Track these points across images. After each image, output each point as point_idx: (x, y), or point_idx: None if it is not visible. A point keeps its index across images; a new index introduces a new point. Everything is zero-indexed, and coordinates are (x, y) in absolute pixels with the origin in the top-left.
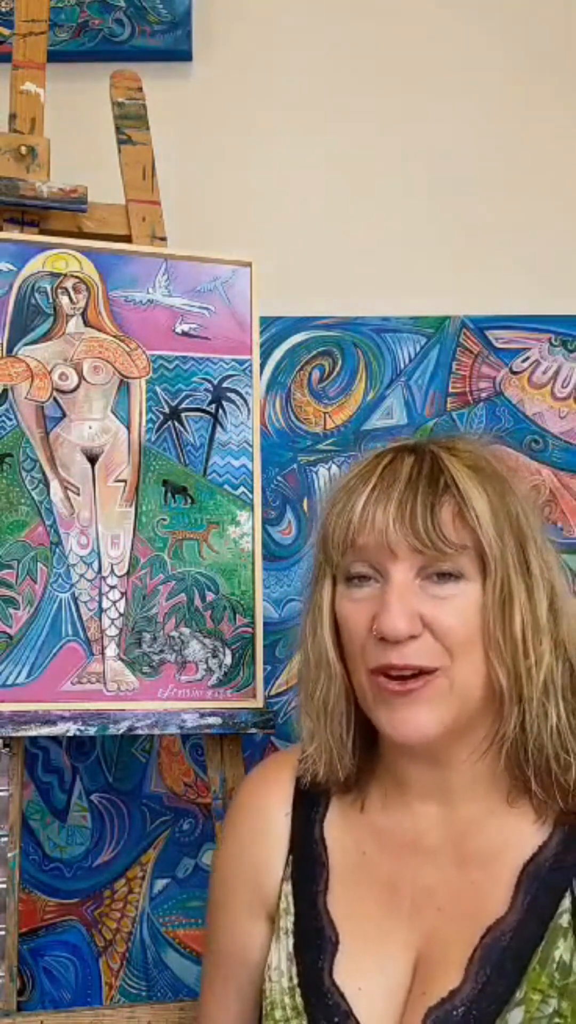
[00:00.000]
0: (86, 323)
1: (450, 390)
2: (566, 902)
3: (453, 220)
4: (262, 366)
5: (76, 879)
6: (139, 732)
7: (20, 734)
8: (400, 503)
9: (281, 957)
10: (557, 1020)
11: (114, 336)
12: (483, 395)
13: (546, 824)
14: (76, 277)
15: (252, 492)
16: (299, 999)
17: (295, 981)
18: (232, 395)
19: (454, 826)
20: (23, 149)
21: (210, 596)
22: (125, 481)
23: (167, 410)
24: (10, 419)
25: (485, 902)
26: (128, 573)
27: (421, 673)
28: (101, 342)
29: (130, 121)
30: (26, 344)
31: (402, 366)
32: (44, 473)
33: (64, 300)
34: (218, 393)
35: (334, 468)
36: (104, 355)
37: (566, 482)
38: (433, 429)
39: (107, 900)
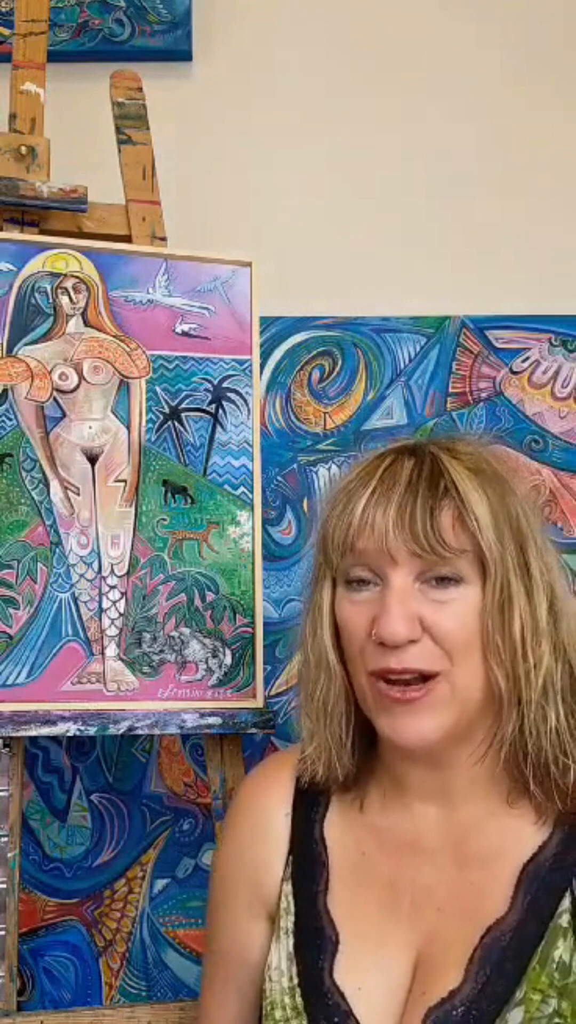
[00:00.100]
0: (86, 323)
1: (450, 390)
2: (566, 902)
3: (453, 220)
4: (262, 366)
5: (76, 879)
6: (139, 732)
7: (20, 734)
8: (400, 507)
9: (281, 957)
10: (557, 1020)
11: (114, 336)
12: (483, 395)
13: (546, 824)
14: (76, 277)
15: (252, 492)
16: (299, 999)
17: (295, 981)
18: (232, 395)
19: (454, 827)
20: (23, 149)
21: (210, 596)
22: (125, 481)
23: (167, 410)
24: (10, 419)
25: (485, 902)
26: (128, 573)
27: (421, 678)
28: (101, 342)
29: (130, 121)
30: (26, 344)
31: (402, 366)
32: (44, 473)
33: (64, 300)
34: (218, 393)
35: (334, 468)
36: (104, 355)
37: (566, 482)
38: (433, 429)
39: (107, 900)
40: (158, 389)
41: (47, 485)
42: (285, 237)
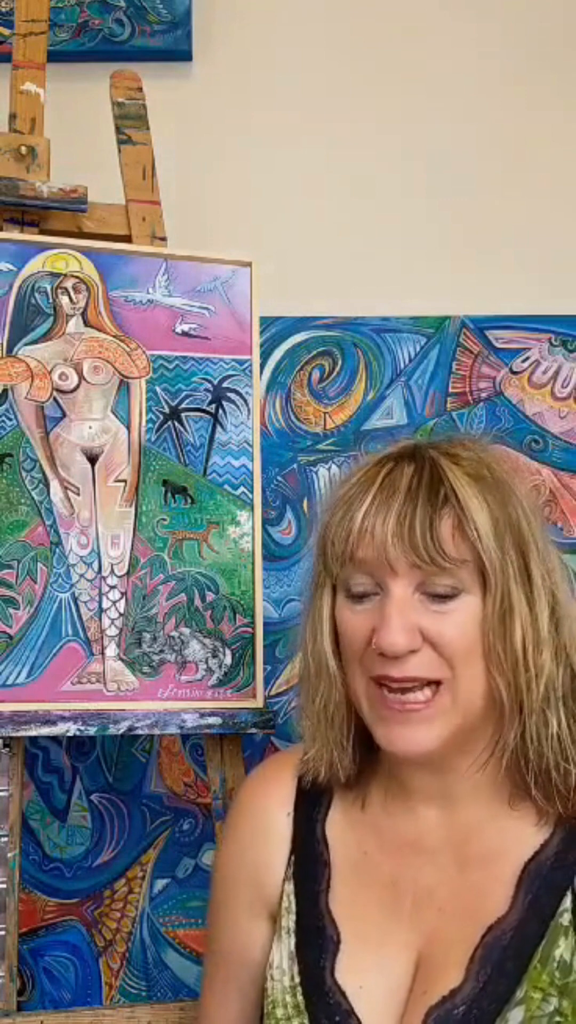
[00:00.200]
0: (86, 323)
1: (450, 390)
2: (567, 901)
3: (453, 220)
4: (262, 366)
5: (76, 879)
6: (139, 732)
7: (20, 734)
8: (399, 516)
9: (283, 956)
10: (558, 1019)
11: (114, 336)
12: (483, 395)
13: (547, 824)
14: (76, 277)
15: (252, 492)
16: (300, 998)
17: (296, 980)
18: (232, 395)
19: (455, 829)
20: (23, 149)
21: (210, 596)
22: (125, 481)
23: (167, 410)
24: (10, 419)
25: (486, 901)
26: (128, 573)
27: (422, 684)
28: (101, 342)
29: (130, 121)
30: (26, 344)
31: (402, 366)
32: (44, 473)
33: (64, 300)
34: (218, 393)
35: (334, 468)
36: (104, 355)
37: (566, 482)
38: (433, 429)
39: (107, 900)
40: (158, 389)
41: (47, 485)
42: (285, 237)
